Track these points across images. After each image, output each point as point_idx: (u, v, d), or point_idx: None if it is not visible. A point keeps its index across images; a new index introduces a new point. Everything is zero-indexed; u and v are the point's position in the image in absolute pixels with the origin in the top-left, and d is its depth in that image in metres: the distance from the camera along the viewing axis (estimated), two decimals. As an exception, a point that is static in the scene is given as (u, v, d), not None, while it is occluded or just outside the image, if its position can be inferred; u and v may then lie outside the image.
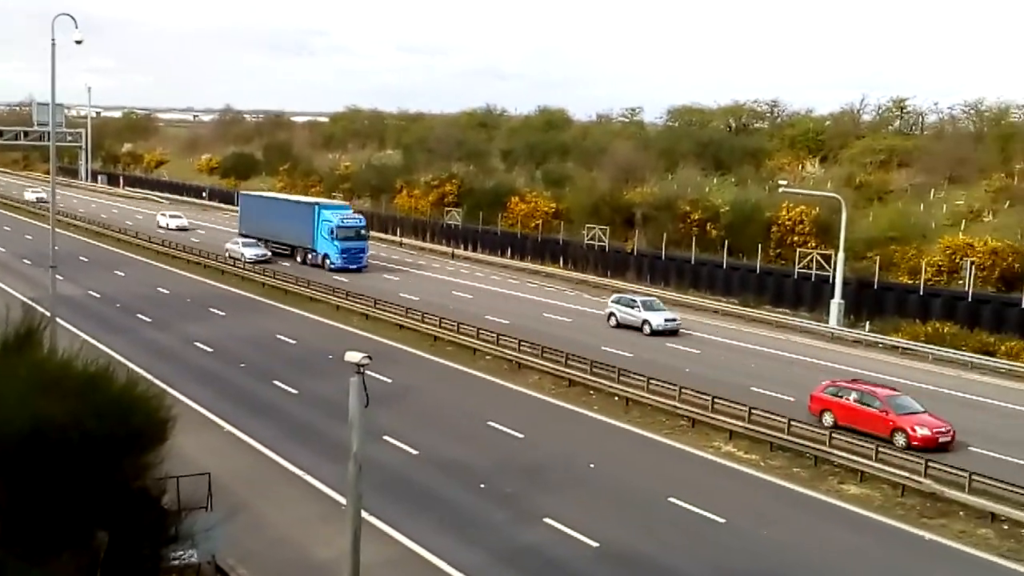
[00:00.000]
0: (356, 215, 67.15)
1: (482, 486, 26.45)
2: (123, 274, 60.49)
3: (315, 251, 64.78)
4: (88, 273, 59.15)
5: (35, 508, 13.72)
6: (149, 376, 30.69)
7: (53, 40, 34.10)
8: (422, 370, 39.58)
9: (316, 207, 66.33)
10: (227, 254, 65.58)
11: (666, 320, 47.33)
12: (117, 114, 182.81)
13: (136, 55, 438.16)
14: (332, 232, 63.59)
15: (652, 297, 51.55)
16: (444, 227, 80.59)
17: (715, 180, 76.34)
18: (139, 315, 47.96)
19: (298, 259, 66.11)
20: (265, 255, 65.29)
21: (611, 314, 48.80)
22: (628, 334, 46.47)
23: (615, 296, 51.14)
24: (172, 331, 44.54)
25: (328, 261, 63.52)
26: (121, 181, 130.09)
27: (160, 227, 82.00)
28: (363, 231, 65.29)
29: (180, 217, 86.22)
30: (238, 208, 77.93)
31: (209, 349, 41.36)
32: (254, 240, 67.67)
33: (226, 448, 29.00)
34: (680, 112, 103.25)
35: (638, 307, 48.16)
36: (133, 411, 16.45)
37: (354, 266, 63.46)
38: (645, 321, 47.02)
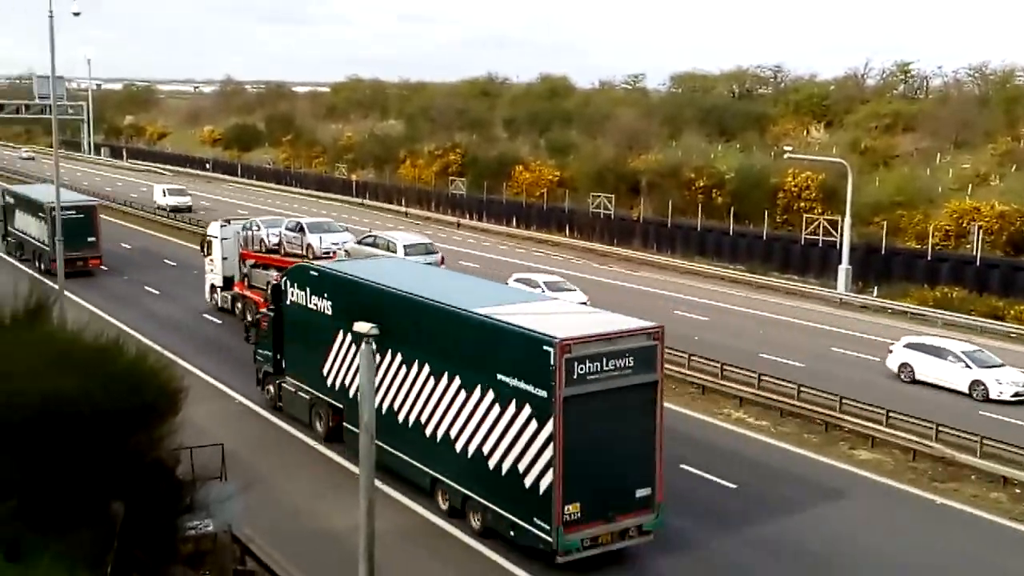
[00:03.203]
0: None
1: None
2: (129, 247, 60.32)
3: None
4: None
5: (50, 482, 13.73)
6: (158, 347, 30.68)
7: (51, 12, 33.91)
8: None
9: None
10: None
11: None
12: (118, 86, 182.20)
13: (136, 26, 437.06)
14: None
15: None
16: (449, 197, 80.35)
17: (719, 147, 75.96)
18: (146, 287, 47.90)
19: None
20: None
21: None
22: (619, 306, 46.41)
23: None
24: (179, 302, 44.50)
25: None
26: (124, 153, 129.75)
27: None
28: None
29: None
30: None
31: (219, 321, 41.34)
32: None
33: (239, 417, 29.05)
34: (683, 78, 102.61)
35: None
36: (144, 383, 16.42)
37: None
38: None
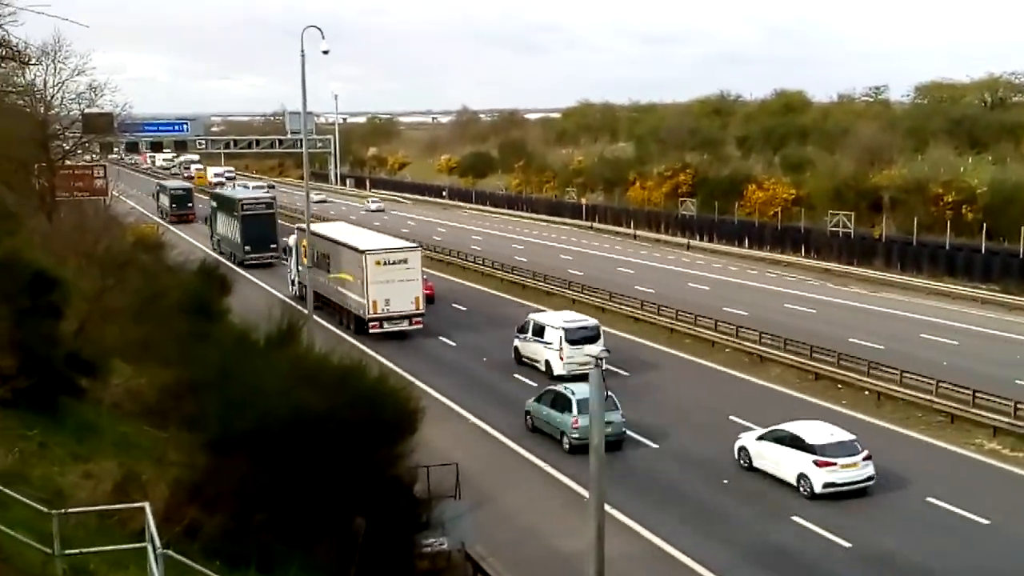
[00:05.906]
0: None
1: (725, 482, 25.95)
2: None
3: None
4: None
5: (297, 494, 14.43)
6: (396, 369, 31.96)
7: (303, 52, 36.08)
8: (659, 363, 39.20)
9: None
10: None
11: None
12: (362, 119, 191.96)
13: (378, 62, 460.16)
14: None
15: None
16: (678, 218, 79.57)
17: (970, 159, 71.45)
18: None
19: None
20: None
21: None
22: (860, 328, 44.26)
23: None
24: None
25: None
26: (368, 183, 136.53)
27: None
28: None
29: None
30: None
31: (452, 343, 42.67)
32: None
33: (471, 439, 29.82)
34: (929, 88, 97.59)
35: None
36: (385, 403, 17.09)
37: None
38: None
